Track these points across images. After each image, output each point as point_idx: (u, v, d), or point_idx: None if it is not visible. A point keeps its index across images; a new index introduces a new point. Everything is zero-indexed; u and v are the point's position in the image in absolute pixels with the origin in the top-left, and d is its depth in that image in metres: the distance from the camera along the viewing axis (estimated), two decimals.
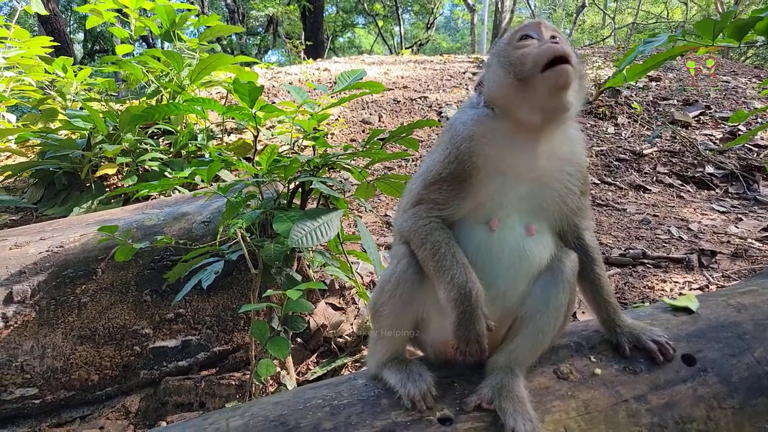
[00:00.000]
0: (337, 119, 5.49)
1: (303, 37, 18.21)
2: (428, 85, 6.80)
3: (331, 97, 2.30)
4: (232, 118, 4.35)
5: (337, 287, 2.63)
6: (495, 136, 1.14)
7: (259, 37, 23.23)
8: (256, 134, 2.09)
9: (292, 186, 2.07)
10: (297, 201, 2.16)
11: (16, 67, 4.03)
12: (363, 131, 5.26)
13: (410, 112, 5.85)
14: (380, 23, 25.57)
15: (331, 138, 5.10)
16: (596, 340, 1.27)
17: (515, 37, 1.13)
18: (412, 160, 4.66)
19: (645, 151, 5.02)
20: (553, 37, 1.08)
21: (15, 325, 1.88)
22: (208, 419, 1.13)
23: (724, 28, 1.88)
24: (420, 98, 6.23)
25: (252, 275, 1.87)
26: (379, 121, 5.57)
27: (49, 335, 1.93)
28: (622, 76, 2.24)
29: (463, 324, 1.06)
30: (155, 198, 3.29)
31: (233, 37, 21.63)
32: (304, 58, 10.95)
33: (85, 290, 1.99)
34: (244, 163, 1.99)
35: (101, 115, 3.45)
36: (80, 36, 22.55)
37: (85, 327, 1.98)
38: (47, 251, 1.99)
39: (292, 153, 2.27)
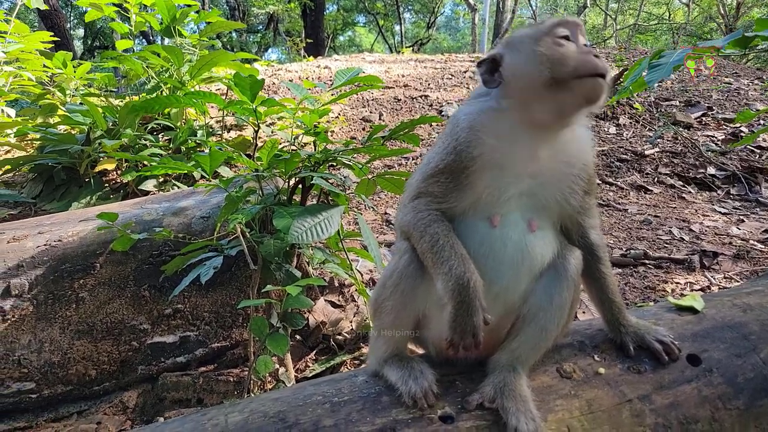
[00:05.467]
0: (337, 117, 5.47)
1: (303, 35, 18.18)
2: (429, 84, 6.79)
3: (331, 94, 2.29)
4: (232, 114, 4.34)
5: (336, 284, 2.61)
6: (498, 128, 1.12)
7: (259, 35, 23.19)
8: (256, 129, 2.07)
9: (292, 182, 2.05)
10: (297, 197, 2.14)
11: (16, 61, 4.00)
12: (363, 129, 5.24)
13: (411, 111, 5.83)
14: (381, 22, 25.53)
15: (332, 135, 5.08)
16: (600, 339, 1.25)
17: (556, 32, 1.07)
18: (413, 158, 4.65)
19: (646, 152, 5.01)
20: (586, 44, 1.08)
21: (12, 319, 1.86)
22: (207, 414, 1.11)
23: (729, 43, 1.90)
24: (421, 97, 6.21)
25: (251, 271, 1.85)
26: (380, 119, 5.55)
27: (47, 329, 1.91)
28: (629, 90, 2.25)
29: (459, 315, 1.04)
30: (154, 194, 3.27)
31: (234, 34, 21.60)
32: (304, 56, 10.92)
33: (83, 285, 1.97)
34: (244, 158, 1.98)
35: (100, 111, 3.43)
36: (80, 32, 22.50)
37: (82, 322, 1.97)
38: (45, 245, 1.97)
39: (292, 149, 2.26)
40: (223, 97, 4.18)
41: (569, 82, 1.02)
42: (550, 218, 1.17)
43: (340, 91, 2.21)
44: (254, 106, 1.89)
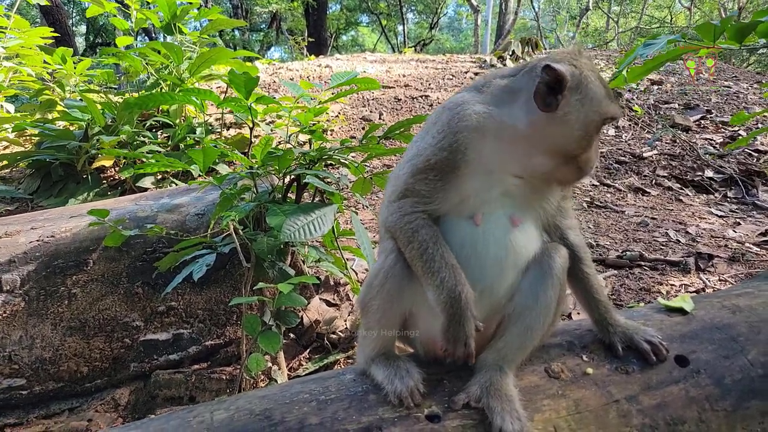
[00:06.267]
0: (337, 116, 5.47)
1: (306, 34, 18.19)
2: (430, 84, 6.78)
3: (331, 92, 2.29)
4: (231, 112, 4.33)
5: (331, 283, 2.61)
6: (504, 140, 1.09)
7: (262, 33, 23.22)
8: (251, 126, 2.07)
9: (287, 179, 2.05)
10: (292, 195, 2.14)
11: (16, 57, 4.01)
12: (363, 128, 5.24)
13: (411, 111, 5.83)
14: (384, 22, 25.55)
15: (331, 134, 5.08)
16: (589, 340, 1.25)
17: (608, 120, 1.11)
18: None
19: (645, 154, 5.01)
20: None
21: (3, 315, 1.86)
22: (193, 411, 1.11)
23: (725, 31, 1.87)
24: (421, 97, 6.21)
25: (244, 269, 1.85)
26: (380, 118, 5.55)
27: (38, 326, 1.91)
28: (623, 77, 2.23)
29: (452, 326, 1.05)
30: (152, 190, 3.27)
31: (236, 32, 21.62)
32: (306, 55, 10.92)
33: (76, 281, 1.97)
34: (239, 154, 1.98)
35: (99, 107, 3.43)
36: (82, 29, 22.52)
37: (75, 318, 1.97)
38: (38, 241, 1.97)
39: (288, 146, 2.26)
40: (223, 96, 4.19)
41: (572, 165, 1.09)
42: (531, 214, 1.17)
43: (338, 90, 2.22)
44: (249, 104, 1.89)
